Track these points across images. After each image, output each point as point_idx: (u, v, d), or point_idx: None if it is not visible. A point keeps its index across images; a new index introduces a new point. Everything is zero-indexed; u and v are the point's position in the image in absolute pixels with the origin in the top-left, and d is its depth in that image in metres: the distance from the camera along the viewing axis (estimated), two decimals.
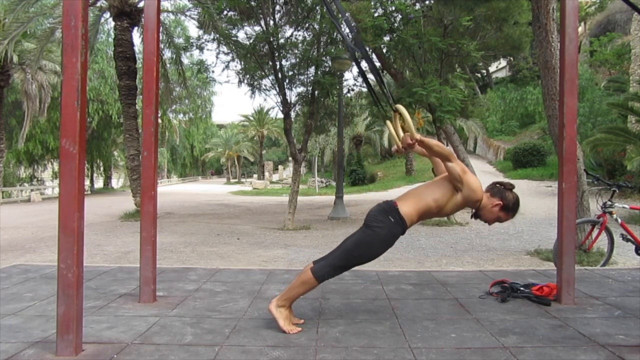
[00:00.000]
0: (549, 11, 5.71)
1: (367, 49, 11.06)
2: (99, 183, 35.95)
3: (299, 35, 11.07)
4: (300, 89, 11.01)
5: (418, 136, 2.39)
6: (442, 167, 2.64)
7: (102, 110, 23.11)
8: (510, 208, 2.62)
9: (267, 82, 12.31)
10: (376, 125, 26.70)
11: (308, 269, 2.58)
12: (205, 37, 11.61)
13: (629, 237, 4.76)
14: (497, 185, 2.72)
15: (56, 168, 29.40)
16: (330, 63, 10.24)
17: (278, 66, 10.30)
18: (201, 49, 12.12)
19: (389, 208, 2.56)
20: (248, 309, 3.04)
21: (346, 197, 12.74)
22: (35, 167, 28.64)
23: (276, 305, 2.62)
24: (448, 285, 3.66)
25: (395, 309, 3.04)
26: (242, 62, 11.70)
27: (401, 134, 2.48)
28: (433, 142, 2.48)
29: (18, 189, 23.92)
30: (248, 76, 12.12)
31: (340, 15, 2.61)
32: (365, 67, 12.44)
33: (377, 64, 11.99)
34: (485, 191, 2.68)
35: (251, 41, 10.67)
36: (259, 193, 24.59)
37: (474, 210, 2.70)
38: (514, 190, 2.72)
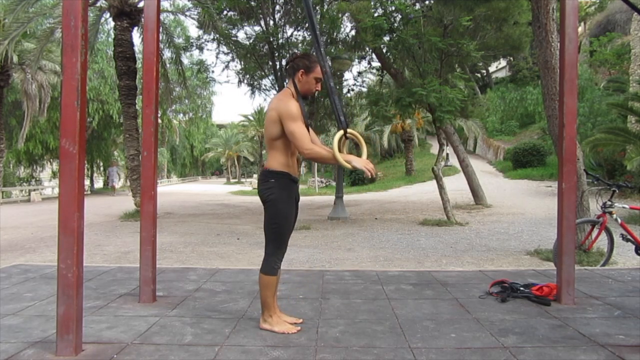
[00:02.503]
0: (549, 11, 5.70)
1: (367, 49, 11.09)
2: (99, 183, 35.91)
3: (299, 35, 11.09)
4: None
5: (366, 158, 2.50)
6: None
7: (102, 110, 23.07)
8: (309, 65, 2.60)
9: (267, 82, 12.32)
10: (376, 125, 26.70)
11: (260, 274, 2.63)
12: (205, 37, 11.62)
13: (629, 237, 4.76)
14: (287, 67, 2.70)
15: (55, 168, 29.37)
16: (330, 63, 10.25)
17: (278, 66, 10.30)
18: (201, 49, 12.13)
19: (263, 175, 2.65)
20: (248, 309, 3.04)
21: (346, 197, 12.74)
22: (34, 167, 28.59)
23: (263, 320, 2.67)
24: (448, 285, 3.67)
25: (395, 309, 3.04)
26: (242, 62, 11.71)
27: (353, 155, 2.54)
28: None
29: (18, 189, 23.90)
30: (248, 76, 12.13)
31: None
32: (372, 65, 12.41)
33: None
34: (289, 82, 2.67)
35: (251, 41, 10.67)
36: None
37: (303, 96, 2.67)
38: (296, 54, 2.72)
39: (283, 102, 2.56)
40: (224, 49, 11.69)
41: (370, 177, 2.47)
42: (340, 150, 2.49)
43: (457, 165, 14.32)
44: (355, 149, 29.95)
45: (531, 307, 3.06)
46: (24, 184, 26.49)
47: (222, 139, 48.60)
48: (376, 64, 12.09)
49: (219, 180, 51.47)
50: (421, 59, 9.15)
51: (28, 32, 15.42)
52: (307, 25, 10.27)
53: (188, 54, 16.60)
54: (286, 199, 2.61)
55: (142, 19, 10.90)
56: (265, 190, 2.60)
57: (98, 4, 12.65)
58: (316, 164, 29.95)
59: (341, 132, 2.52)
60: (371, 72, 13.68)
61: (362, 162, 2.42)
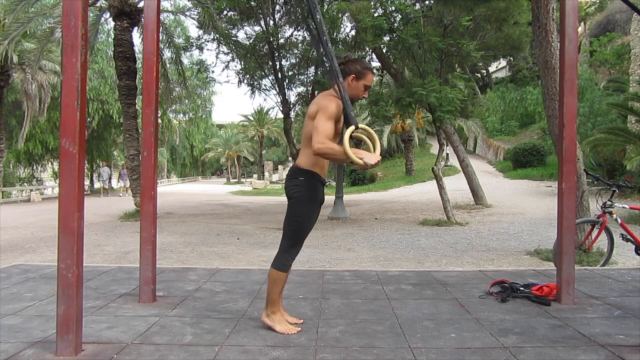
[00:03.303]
0: (549, 11, 5.70)
1: (367, 49, 11.09)
2: (98, 183, 35.92)
3: (299, 35, 11.10)
4: (300, 89, 11.02)
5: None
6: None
7: (102, 110, 23.08)
8: (361, 71, 2.56)
9: (267, 82, 12.34)
10: (376, 125, 26.67)
11: (270, 269, 2.63)
12: (205, 37, 11.64)
13: (629, 237, 4.76)
14: (341, 67, 2.60)
15: (56, 168, 29.34)
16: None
17: (278, 66, 10.31)
18: (201, 49, 12.16)
19: (292, 171, 2.62)
20: (248, 309, 3.04)
21: (346, 197, 12.73)
22: (35, 167, 28.58)
23: (266, 314, 2.67)
24: (448, 285, 3.67)
25: (395, 309, 3.04)
26: (242, 62, 11.73)
27: (366, 151, 2.50)
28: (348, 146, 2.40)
29: (18, 189, 23.89)
30: (248, 76, 12.15)
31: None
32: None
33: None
34: (335, 86, 2.57)
35: (251, 41, 10.69)
36: (259, 193, 24.57)
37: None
38: (351, 57, 2.66)
39: (327, 99, 2.53)
40: (224, 49, 11.71)
41: (364, 167, 2.41)
42: None
43: (457, 165, 14.32)
44: (356, 147, 29.93)
45: (531, 307, 3.06)
46: (25, 184, 26.48)
47: (222, 139, 48.60)
48: (376, 64, 12.08)
49: (219, 180, 51.43)
50: (421, 59, 9.15)
51: (28, 32, 15.42)
52: (307, 25, 10.28)
53: (188, 54, 16.63)
54: (311, 199, 2.59)
55: (142, 19, 10.90)
56: (292, 187, 2.59)
57: (98, 4, 12.66)
58: None
59: (352, 128, 2.44)
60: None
61: (375, 158, 2.38)
